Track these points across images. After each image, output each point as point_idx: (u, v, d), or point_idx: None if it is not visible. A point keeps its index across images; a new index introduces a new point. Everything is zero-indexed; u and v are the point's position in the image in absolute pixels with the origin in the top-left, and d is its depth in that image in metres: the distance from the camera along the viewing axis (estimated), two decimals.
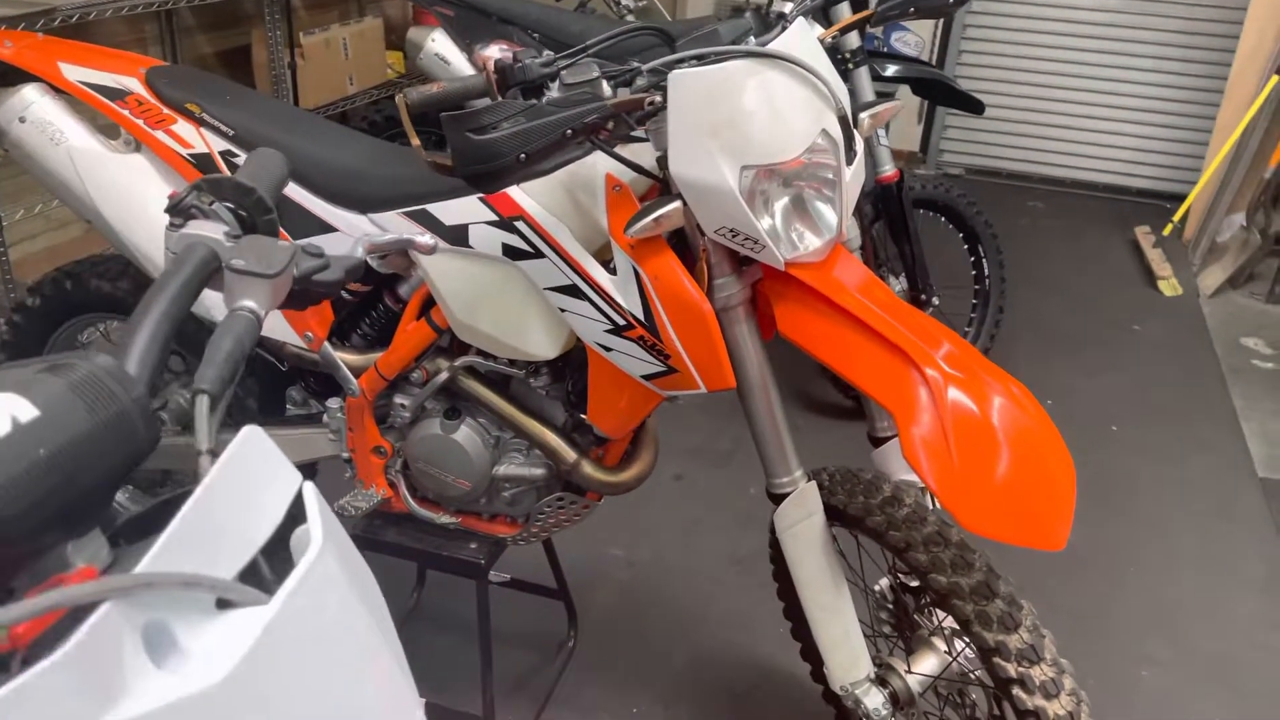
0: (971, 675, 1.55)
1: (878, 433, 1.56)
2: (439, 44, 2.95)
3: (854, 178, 1.37)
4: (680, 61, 1.29)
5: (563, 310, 1.44)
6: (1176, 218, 4.62)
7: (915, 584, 1.62)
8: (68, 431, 0.44)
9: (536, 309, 1.48)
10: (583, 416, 1.55)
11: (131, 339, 0.52)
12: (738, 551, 2.45)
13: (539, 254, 1.44)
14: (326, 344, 1.66)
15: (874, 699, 1.53)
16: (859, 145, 1.37)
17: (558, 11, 2.99)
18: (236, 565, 0.47)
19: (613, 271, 1.40)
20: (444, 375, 1.60)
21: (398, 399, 1.66)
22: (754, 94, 1.27)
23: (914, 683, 1.55)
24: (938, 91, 2.94)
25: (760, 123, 1.27)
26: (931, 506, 1.49)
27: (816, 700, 1.89)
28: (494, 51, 2.92)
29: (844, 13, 2.01)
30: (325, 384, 1.80)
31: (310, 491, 0.52)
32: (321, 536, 0.48)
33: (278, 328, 1.65)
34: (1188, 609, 2.36)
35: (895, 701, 1.56)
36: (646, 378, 1.40)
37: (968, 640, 1.54)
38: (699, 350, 1.34)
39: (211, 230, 0.65)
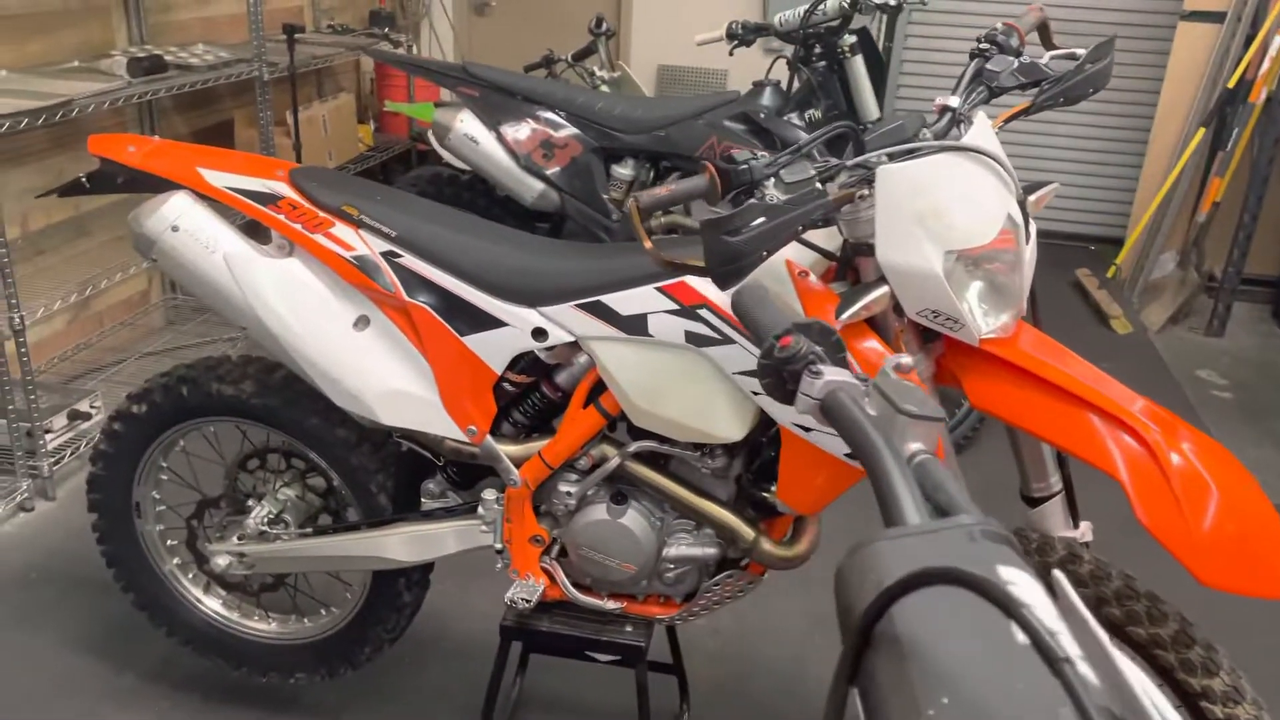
0: None
1: (1034, 493, 1.65)
2: (467, 124, 2.97)
3: (1031, 255, 1.47)
4: (879, 156, 1.37)
5: (756, 393, 1.49)
6: (1119, 260, 4.94)
7: None
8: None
9: (723, 392, 1.52)
10: (765, 494, 1.59)
11: (896, 500, 0.53)
12: (813, 610, 2.50)
13: (727, 340, 1.49)
14: (489, 437, 1.65)
15: None
16: (1032, 227, 1.47)
17: (582, 91, 3.06)
18: None
19: None
20: (615, 461, 1.62)
21: (561, 487, 1.67)
22: (955, 184, 1.36)
23: None
24: None
25: (961, 210, 1.36)
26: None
27: None
28: (522, 131, 2.97)
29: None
30: (467, 475, 1.79)
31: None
32: None
33: (439, 423, 1.64)
34: (1248, 623, 2.52)
35: None
36: (850, 455, 1.46)
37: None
38: None
39: (843, 375, 0.68)
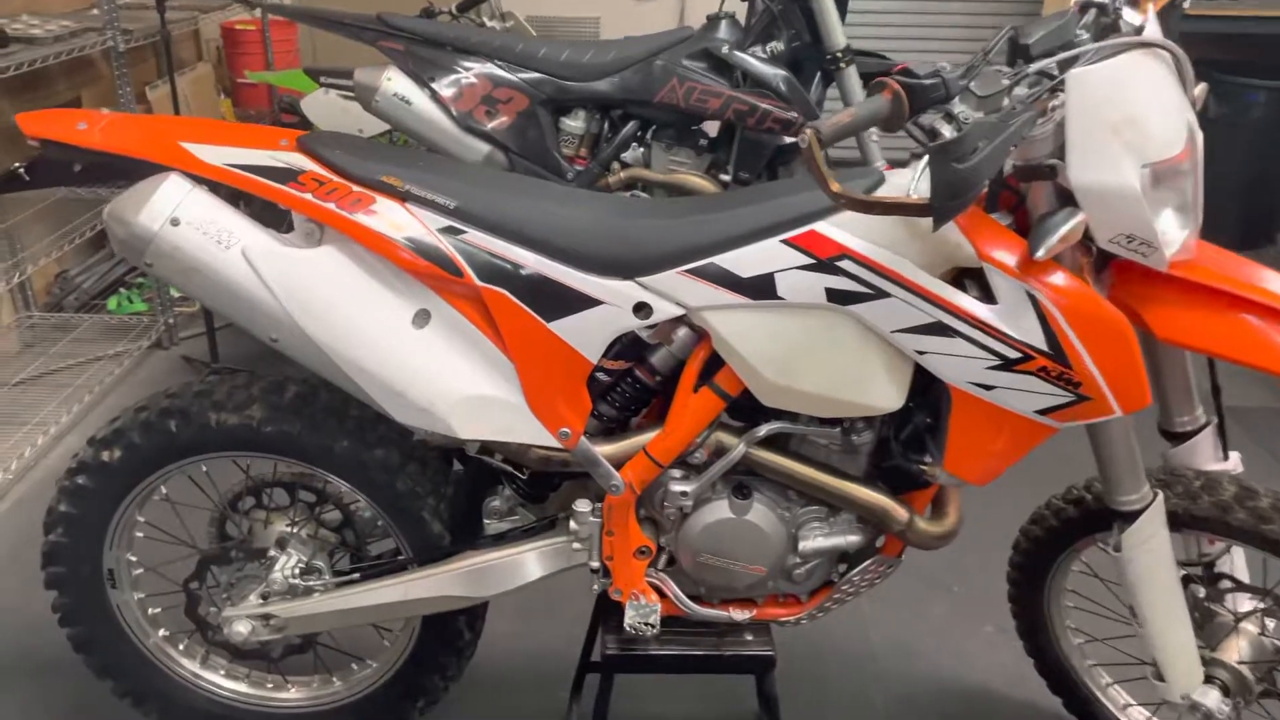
0: None
1: (1177, 427, 1.51)
2: (396, 83, 2.59)
3: (1201, 166, 1.31)
4: (1070, 61, 1.17)
5: (921, 352, 1.27)
6: None
7: (1204, 573, 1.59)
8: None
9: (877, 356, 1.30)
10: (923, 467, 1.38)
11: None
12: None
13: (879, 294, 1.26)
14: (584, 439, 1.38)
15: (1212, 698, 1.50)
16: (1199, 135, 1.31)
17: (518, 37, 2.73)
18: None
19: (981, 299, 1.25)
20: (739, 450, 1.38)
21: (674, 487, 1.41)
22: (1147, 87, 1.18)
23: (1246, 671, 1.52)
24: None
25: (1155, 117, 1.18)
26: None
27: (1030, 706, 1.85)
28: (459, 86, 2.62)
29: None
30: (538, 487, 1.51)
31: None
32: None
33: (527, 429, 1.35)
34: None
35: (1225, 693, 1.52)
36: (1042, 411, 1.27)
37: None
38: (1117, 371, 1.23)
39: None
